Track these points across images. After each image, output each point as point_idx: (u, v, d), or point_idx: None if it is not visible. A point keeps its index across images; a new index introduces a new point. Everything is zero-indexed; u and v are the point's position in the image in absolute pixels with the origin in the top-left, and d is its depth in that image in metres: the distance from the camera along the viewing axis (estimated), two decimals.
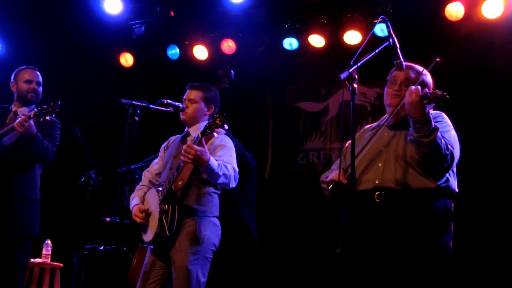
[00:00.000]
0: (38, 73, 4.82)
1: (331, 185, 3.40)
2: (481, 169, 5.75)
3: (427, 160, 3.30)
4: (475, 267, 5.57)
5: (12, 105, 4.79)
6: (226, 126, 3.68)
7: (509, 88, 5.77)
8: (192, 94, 4.15)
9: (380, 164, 3.43)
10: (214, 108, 4.18)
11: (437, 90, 3.18)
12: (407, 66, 3.45)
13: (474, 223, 5.48)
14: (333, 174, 3.43)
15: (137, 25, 7.17)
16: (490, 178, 5.79)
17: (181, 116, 4.16)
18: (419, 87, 3.24)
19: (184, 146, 3.67)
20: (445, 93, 3.15)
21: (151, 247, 3.99)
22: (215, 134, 3.71)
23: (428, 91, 3.21)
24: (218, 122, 3.62)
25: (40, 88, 4.80)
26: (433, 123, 3.22)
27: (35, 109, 4.47)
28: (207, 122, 4.14)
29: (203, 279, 3.85)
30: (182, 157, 3.69)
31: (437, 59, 3.33)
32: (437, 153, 3.24)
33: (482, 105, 5.95)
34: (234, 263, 5.20)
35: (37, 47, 7.15)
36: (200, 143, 3.69)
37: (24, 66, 4.84)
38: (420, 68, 3.52)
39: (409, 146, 3.36)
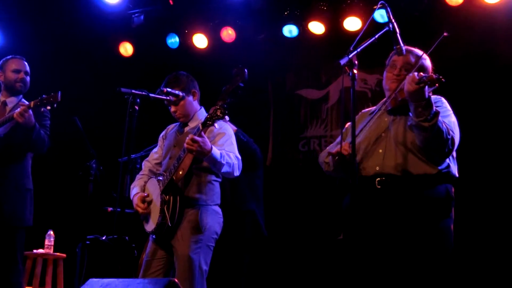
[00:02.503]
0: (26, 62, 4.81)
1: (337, 157, 3.37)
2: (481, 154, 5.74)
3: (428, 145, 3.29)
4: (476, 250, 5.58)
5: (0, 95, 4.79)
6: (227, 117, 3.69)
7: (510, 74, 5.75)
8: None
9: (380, 150, 3.42)
10: (195, 90, 4.18)
11: (432, 73, 3.17)
12: (407, 51, 3.44)
13: (473, 207, 5.48)
14: (338, 146, 3.39)
15: (136, 14, 7.14)
16: (490, 163, 5.78)
17: (176, 118, 4.15)
18: (415, 73, 3.22)
19: (187, 139, 3.68)
20: (440, 76, 3.14)
21: (153, 236, 4.00)
22: (215, 125, 3.71)
23: (423, 74, 3.19)
24: (219, 113, 3.63)
25: (28, 78, 4.79)
26: (434, 107, 3.21)
27: (23, 99, 4.46)
28: (200, 108, 4.16)
29: (205, 267, 3.86)
30: (186, 146, 3.68)
31: (445, 34, 3.30)
32: (438, 138, 3.24)
33: (482, 90, 5.93)
34: (241, 254, 5.23)
35: (36, 37, 7.12)
36: (200, 134, 3.69)
37: (10, 56, 4.83)
38: (419, 52, 3.51)
39: (410, 132, 3.36)
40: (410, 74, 3.23)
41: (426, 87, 3.17)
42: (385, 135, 3.45)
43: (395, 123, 3.46)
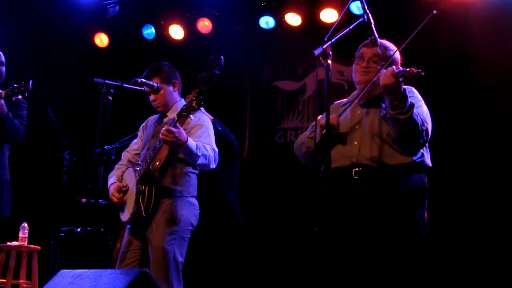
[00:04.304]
0: (1, 53, 4.74)
1: (324, 131, 3.35)
2: (453, 143, 5.80)
3: (403, 137, 3.32)
4: (449, 240, 5.64)
5: None
6: (202, 109, 3.68)
7: (483, 66, 5.79)
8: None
9: (355, 142, 3.44)
10: (177, 81, 4.17)
11: (413, 68, 3.19)
12: (375, 43, 3.46)
13: (446, 196, 5.54)
14: (324, 120, 3.35)
15: (111, 5, 7.07)
16: (462, 152, 5.84)
17: (155, 107, 4.14)
18: (394, 67, 3.23)
19: (162, 130, 3.66)
20: (420, 70, 3.16)
21: (129, 226, 3.98)
22: (191, 116, 3.70)
23: (403, 68, 3.21)
24: (194, 105, 3.62)
25: (4, 68, 4.73)
26: (409, 99, 3.23)
27: None
28: (181, 99, 4.14)
29: (180, 259, 3.85)
30: (161, 137, 3.67)
31: (434, 12, 3.32)
32: (413, 130, 3.27)
33: (456, 83, 5.98)
34: (219, 245, 5.23)
35: (10, 28, 7.02)
36: (175, 126, 3.68)
37: None
38: (388, 44, 3.53)
39: (384, 123, 3.38)
40: (389, 68, 3.24)
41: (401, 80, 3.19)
42: (359, 127, 3.47)
43: (368, 115, 3.48)
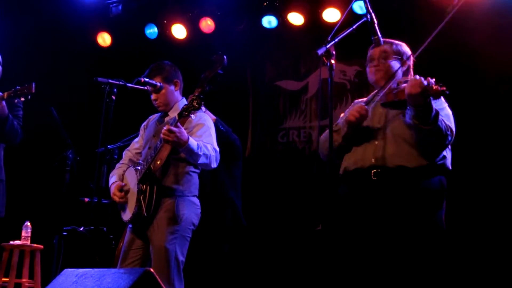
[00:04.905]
0: None
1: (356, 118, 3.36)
2: (470, 146, 5.78)
3: (426, 142, 3.31)
4: (467, 241, 5.62)
5: None
6: (203, 108, 3.68)
7: (488, 65, 5.77)
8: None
9: (377, 142, 3.43)
10: (179, 80, 4.17)
11: (438, 87, 3.14)
12: (384, 42, 3.46)
13: (463, 198, 5.52)
14: (350, 115, 3.38)
15: (114, 4, 7.08)
16: (480, 156, 5.82)
17: (156, 107, 4.14)
18: (422, 78, 3.20)
19: (163, 130, 3.67)
20: (444, 88, 3.13)
21: (130, 226, 3.98)
22: (192, 116, 3.70)
23: (431, 82, 3.15)
24: (195, 104, 3.62)
25: (0, 68, 4.73)
26: (434, 108, 3.20)
27: None
28: (182, 98, 4.15)
29: (181, 258, 3.85)
30: (162, 136, 3.68)
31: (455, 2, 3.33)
32: (438, 136, 3.26)
33: (463, 83, 5.96)
34: (221, 243, 5.23)
35: (14, 27, 7.03)
36: (176, 125, 3.68)
37: None
38: (392, 40, 3.54)
39: (406, 126, 3.36)
40: (417, 77, 3.22)
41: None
42: (380, 128, 3.45)
43: (391, 115, 3.46)
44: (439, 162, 3.37)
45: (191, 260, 4.04)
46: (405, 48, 3.57)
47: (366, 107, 3.41)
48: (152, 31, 7.18)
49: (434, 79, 3.18)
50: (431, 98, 3.21)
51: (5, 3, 6.97)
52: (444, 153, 3.40)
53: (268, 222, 6.64)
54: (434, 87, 3.14)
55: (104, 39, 7.41)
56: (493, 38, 5.70)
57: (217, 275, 5.28)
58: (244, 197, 5.42)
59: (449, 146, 3.45)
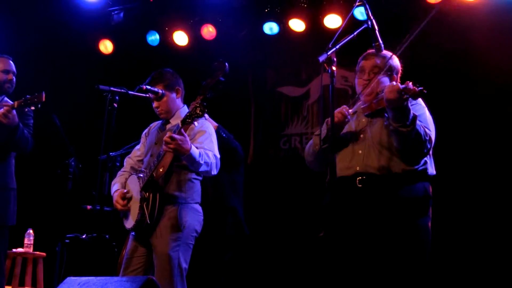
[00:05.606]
0: (12, 62, 4.76)
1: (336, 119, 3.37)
2: (458, 151, 5.79)
3: (406, 147, 3.33)
4: (453, 248, 5.62)
5: None
6: (206, 115, 3.69)
7: (488, 71, 5.79)
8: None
9: (360, 151, 3.47)
10: (180, 88, 4.18)
11: (415, 87, 3.18)
12: (373, 54, 3.48)
13: (450, 205, 5.53)
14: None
15: (116, 12, 7.10)
16: (467, 160, 5.83)
17: (158, 114, 4.14)
18: (398, 84, 3.25)
19: (165, 137, 3.67)
20: (422, 88, 3.16)
21: (133, 233, 3.98)
22: (195, 123, 3.71)
23: (407, 85, 3.19)
24: (198, 111, 3.63)
25: (14, 78, 4.75)
26: (411, 112, 3.25)
27: (6, 99, 4.41)
28: (183, 106, 4.15)
29: (184, 265, 3.85)
30: (164, 147, 3.69)
31: (436, 9, 3.34)
32: (416, 141, 3.29)
33: (459, 88, 5.97)
34: (224, 252, 5.22)
35: (15, 34, 7.05)
36: (180, 132, 3.68)
37: None
38: (388, 53, 3.53)
39: (388, 133, 3.39)
40: (394, 83, 3.25)
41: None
42: (363, 136, 3.49)
43: (372, 125, 3.50)
44: (420, 168, 3.40)
45: (194, 268, 4.04)
46: (396, 62, 3.58)
47: (349, 110, 3.45)
48: (153, 38, 7.19)
49: (411, 82, 3.20)
50: (410, 100, 3.25)
51: (7, 11, 6.98)
52: (426, 159, 3.43)
53: (270, 229, 6.64)
54: (411, 88, 3.17)
55: (106, 46, 7.43)
56: (492, 40, 5.71)
57: (220, 282, 5.27)
58: (246, 204, 5.42)
59: (430, 153, 3.47)
